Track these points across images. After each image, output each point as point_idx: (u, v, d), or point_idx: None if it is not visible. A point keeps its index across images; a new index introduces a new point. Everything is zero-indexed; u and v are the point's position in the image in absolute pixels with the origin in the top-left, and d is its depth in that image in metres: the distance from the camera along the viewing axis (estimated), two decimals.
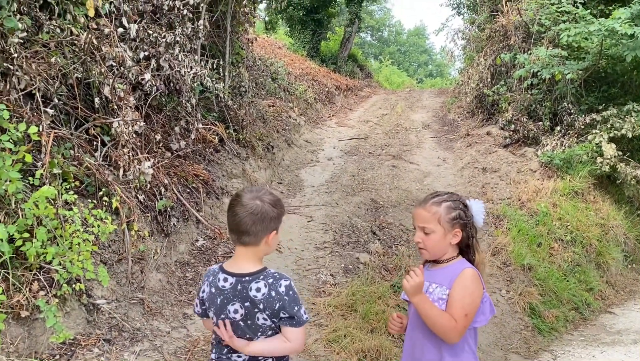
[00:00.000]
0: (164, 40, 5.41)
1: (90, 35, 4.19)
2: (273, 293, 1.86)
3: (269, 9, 19.17)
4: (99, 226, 3.46)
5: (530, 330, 5.35)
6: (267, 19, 19.55)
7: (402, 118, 13.34)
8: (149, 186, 4.53)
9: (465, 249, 2.20)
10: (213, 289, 1.94)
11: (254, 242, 1.91)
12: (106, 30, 4.51)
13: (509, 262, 6.26)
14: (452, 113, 13.55)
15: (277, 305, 1.86)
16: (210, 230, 5.30)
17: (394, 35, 47.20)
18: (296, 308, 1.87)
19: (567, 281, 6.41)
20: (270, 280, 1.87)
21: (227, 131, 6.95)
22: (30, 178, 3.37)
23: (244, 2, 7.82)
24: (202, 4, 6.19)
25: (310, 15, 19.05)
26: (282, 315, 1.87)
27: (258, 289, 1.86)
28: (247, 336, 1.91)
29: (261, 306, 1.86)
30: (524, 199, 7.70)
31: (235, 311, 1.89)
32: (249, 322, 1.89)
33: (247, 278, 1.89)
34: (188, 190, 5.40)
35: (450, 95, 15.36)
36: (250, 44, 9.15)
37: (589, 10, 8.68)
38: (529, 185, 8.06)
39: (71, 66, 4.08)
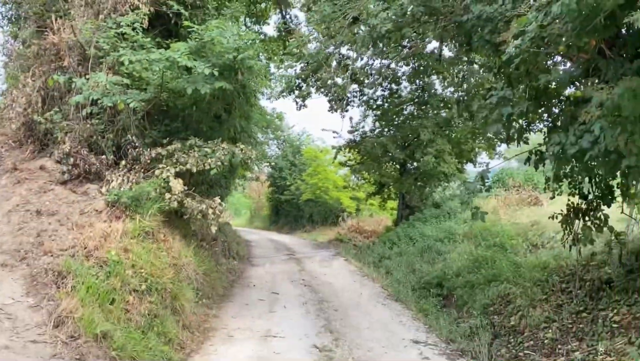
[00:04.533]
0: None
1: None
2: None
3: None
4: None
5: None
6: None
7: None
8: None
9: None
10: None
11: None
12: None
13: (78, 333, 4.98)
14: None
15: None
16: None
17: None
18: None
19: (147, 338, 5.63)
20: None
21: None
22: None
23: None
24: None
25: None
26: None
27: None
28: None
29: None
30: (90, 247, 6.51)
31: None
32: None
33: None
34: None
35: None
36: None
37: (149, 39, 8.37)
38: (96, 229, 6.93)
39: None
